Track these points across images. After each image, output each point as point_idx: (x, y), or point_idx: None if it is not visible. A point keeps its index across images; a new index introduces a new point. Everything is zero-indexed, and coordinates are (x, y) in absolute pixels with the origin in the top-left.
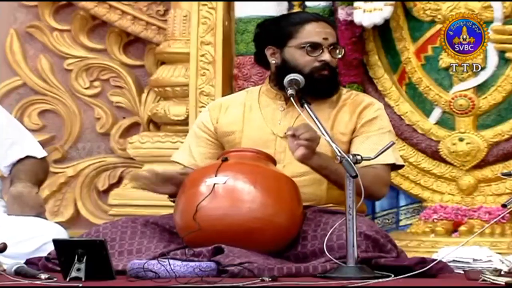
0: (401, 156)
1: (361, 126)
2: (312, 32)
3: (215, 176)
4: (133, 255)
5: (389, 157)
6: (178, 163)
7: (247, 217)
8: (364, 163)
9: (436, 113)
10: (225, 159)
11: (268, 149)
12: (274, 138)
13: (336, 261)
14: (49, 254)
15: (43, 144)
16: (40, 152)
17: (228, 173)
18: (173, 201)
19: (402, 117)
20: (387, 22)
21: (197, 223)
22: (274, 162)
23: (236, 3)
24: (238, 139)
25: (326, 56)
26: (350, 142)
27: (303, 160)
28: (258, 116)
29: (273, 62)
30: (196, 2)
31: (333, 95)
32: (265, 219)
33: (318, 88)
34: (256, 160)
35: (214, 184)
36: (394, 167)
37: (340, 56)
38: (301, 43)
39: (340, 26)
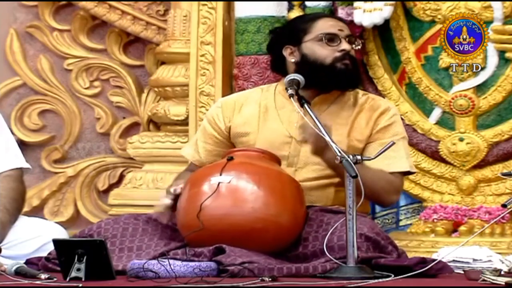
0: None
1: (376, 132)
2: (326, 25)
3: (220, 175)
4: (133, 252)
5: (404, 164)
6: (185, 157)
7: (249, 217)
8: (378, 165)
9: (436, 113)
10: (231, 158)
11: (282, 152)
12: (290, 141)
13: (336, 261)
14: (49, 254)
15: (43, 144)
16: (22, 163)
17: (233, 172)
18: None
19: (402, 117)
20: (387, 22)
21: (200, 222)
22: (279, 162)
23: (236, 3)
24: (252, 141)
25: (345, 46)
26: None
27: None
28: (275, 117)
29: (292, 60)
30: (196, 2)
31: (357, 87)
32: (267, 219)
33: (341, 79)
34: (261, 160)
35: (219, 183)
36: (406, 173)
37: (359, 47)
38: (318, 35)
39: None
